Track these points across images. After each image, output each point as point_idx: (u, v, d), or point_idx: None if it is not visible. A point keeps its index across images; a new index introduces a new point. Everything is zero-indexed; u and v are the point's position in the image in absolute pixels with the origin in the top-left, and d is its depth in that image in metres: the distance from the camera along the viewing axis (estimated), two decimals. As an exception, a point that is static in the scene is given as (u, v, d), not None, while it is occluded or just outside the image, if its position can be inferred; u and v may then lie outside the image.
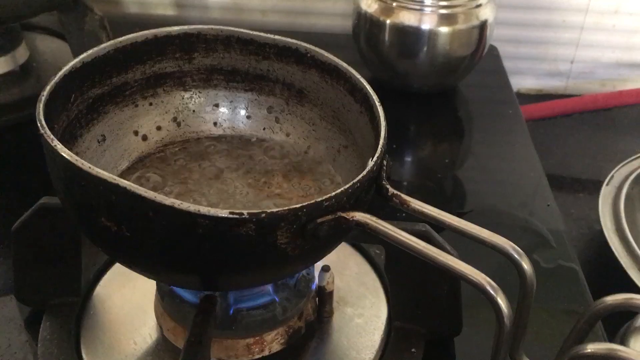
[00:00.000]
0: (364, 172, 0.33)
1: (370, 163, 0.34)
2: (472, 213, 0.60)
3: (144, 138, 0.43)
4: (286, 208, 0.30)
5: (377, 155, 0.34)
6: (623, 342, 0.29)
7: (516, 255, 0.32)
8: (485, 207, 0.60)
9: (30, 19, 0.73)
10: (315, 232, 0.31)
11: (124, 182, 0.29)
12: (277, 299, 0.40)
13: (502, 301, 0.29)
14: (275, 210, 0.30)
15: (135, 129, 0.43)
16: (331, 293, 0.43)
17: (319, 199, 0.31)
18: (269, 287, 0.40)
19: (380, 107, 0.37)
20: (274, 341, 0.40)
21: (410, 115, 0.75)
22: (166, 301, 0.40)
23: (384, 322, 0.44)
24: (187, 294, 0.39)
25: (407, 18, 0.68)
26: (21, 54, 0.72)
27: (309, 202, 0.30)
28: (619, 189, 0.63)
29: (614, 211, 0.61)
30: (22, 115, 0.64)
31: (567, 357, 0.28)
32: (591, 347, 0.27)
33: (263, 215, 0.29)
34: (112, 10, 0.92)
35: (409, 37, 0.69)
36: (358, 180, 0.32)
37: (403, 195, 0.34)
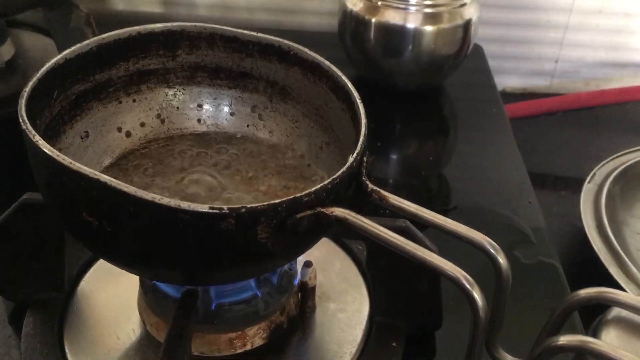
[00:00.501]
0: (344, 168, 0.33)
1: (350, 159, 0.34)
2: (455, 210, 0.60)
3: (128, 135, 0.43)
4: (266, 203, 0.30)
5: (357, 151, 0.34)
6: (595, 334, 0.30)
7: (492, 250, 0.32)
8: (468, 205, 0.61)
9: (16, 15, 0.73)
10: (295, 227, 0.32)
11: (104, 177, 0.29)
12: (259, 294, 0.40)
13: (477, 295, 0.30)
14: (255, 205, 0.30)
15: (119, 126, 0.43)
16: (313, 288, 0.44)
17: (299, 195, 0.31)
18: (251, 282, 0.40)
19: (361, 104, 0.38)
20: (256, 336, 0.41)
21: (395, 113, 0.75)
22: (149, 296, 0.41)
23: (366, 317, 0.44)
24: (169, 289, 0.40)
25: (392, 17, 0.69)
26: (6, 50, 0.72)
27: (288, 198, 0.31)
28: (601, 186, 0.64)
29: (595, 208, 0.62)
30: (7, 112, 0.63)
31: (540, 349, 0.29)
32: (563, 339, 0.28)
33: (243, 210, 0.30)
34: (98, 7, 0.92)
35: (394, 35, 0.70)
36: (338, 176, 0.33)
37: (382, 191, 0.35)
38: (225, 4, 0.92)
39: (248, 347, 0.41)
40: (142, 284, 0.42)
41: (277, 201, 0.30)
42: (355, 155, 0.34)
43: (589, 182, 0.65)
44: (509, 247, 0.52)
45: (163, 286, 0.40)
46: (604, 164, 0.68)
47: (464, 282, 0.30)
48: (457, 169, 0.68)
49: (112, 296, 0.45)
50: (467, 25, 0.70)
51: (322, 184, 0.32)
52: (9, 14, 0.69)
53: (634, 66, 0.91)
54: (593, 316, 0.44)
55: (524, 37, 0.89)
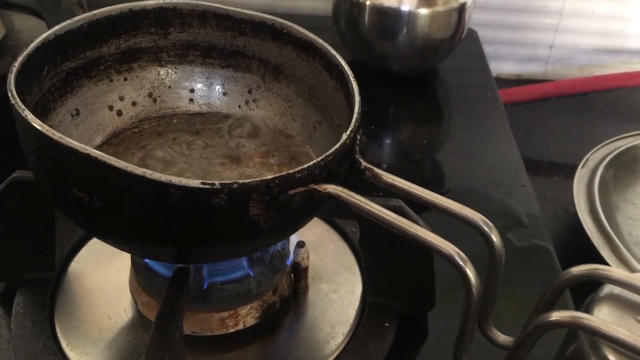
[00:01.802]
0: (337, 146, 0.33)
1: (344, 136, 0.34)
2: (449, 194, 0.60)
3: (119, 113, 0.43)
4: (258, 179, 0.30)
5: (350, 129, 0.34)
6: (588, 311, 0.30)
7: (486, 228, 0.32)
8: (462, 188, 0.61)
9: (6, -4, 0.72)
10: (287, 203, 0.31)
11: (94, 152, 0.29)
12: (251, 274, 0.40)
13: (470, 271, 0.30)
14: (247, 181, 0.30)
15: (110, 104, 0.42)
16: (306, 269, 0.44)
17: (291, 171, 0.31)
18: (244, 261, 0.40)
19: (355, 82, 0.37)
20: (248, 315, 0.40)
21: (390, 97, 0.75)
22: (140, 275, 0.40)
23: (359, 297, 0.44)
24: (160, 268, 0.39)
25: (386, -1, 0.69)
26: (-3, 31, 0.71)
27: (281, 174, 0.31)
28: (594, 171, 0.64)
29: (588, 193, 0.62)
30: (-2, 93, 0.63)
31: (533, 325, 0.29)
32: (555, 315, 0.28)
33: (235, 185, 0.29)
34: (90, -11, 0.91)
35: (388, 18, 0.69)
36: (331, 154, 0.32)
37: (375, 169, 0.35)
38: (219, -13, 0.91)
39: (240, 327, 0.40)
40: (134, 263, 0.41)
41: (269, 177, 0.30)
42: (348, 132, 0.34)
43: (582, 167, 0.66)
44: (502, 230, 0.52)
45: (154, 265, 0.40)
46: (597, 150, 0.68)
47: (457, 258, 0.30)
48: (451, 153, 0.68)
49: (103, 276, 0.45)
50: (461, 8, 0.70)
51: (315, 161, 0.32)
52: (-1, -5, 0.68)
53: (628, 53, 0.91)
54: (584, 296, 0.44)
55: (519, 22, 0.89)
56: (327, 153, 0.32)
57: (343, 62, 0.39)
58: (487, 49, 0.84)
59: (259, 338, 0.41)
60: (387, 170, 0.64)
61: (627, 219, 0.63)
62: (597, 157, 0.67)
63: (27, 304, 0.42)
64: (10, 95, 0.32)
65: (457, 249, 0.30)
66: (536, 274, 0.50)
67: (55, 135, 0.30)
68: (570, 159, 0.75)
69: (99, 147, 0.41)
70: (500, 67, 0.92)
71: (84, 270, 0.45)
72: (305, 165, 0.31)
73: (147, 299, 0.40)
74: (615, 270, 0.30)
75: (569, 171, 0.67)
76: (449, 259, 0.30)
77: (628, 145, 0.68)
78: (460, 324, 0.32)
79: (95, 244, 0.46)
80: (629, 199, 0.65)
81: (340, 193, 0.32)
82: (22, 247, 0.43)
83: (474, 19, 0.74)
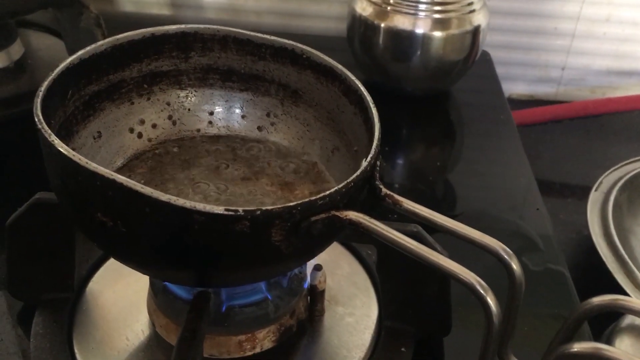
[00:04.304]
0: (358, 172, 0.33)
1: (364, 163, 0.34)
2: (462, 216, 0.60)
3: (139, 135, 0.43)
4: (281, 206, 0.30)
5: (370, 155, 0.34)
6: (609, 342, 0.30)
7: (506, 256, 0.32)
8: (475, 211, 0.61)
9: (25, 15, 0.73)
10: (309, 230, 0.32)
11: (120, 178, 0.29)
12: (269, 297, 0.40)
13: (491, 300, 0.30)
14: (270, 207, 0.30)
15: (131, 127, 0.43)
16: (323, 292, 0.44)
17: (313, 198, 0.31)
18: (262, 285, 0.40)
19: (375, 108, 0.38)
20: (265, 338, 0.41)
21: (403, 118, 0.75)
22: (159, 298, 0.41)
23: (375, 321, 0.44)
24: (180, 291, 0.40)
25: (401, 22, 0.69)
26: (16, 50, 0.72)
27: (303, 201, 0.31)
28: (608, 194, 0.64)
29: (602, 216, 0.62)
30: (16, 112, 0.63)
31: (554, 356, 0.29)
32: (577, 347, 0.28)
33: (258, 212, 0.30)
34: (107, 8, 0.92)
35: (402, 41, 0.70)
36: (352, 180, 0.33)
37: (396, 196, 0.35)
38: (234, 7, 0.92)
39: (257, 350, 0.41)
40: (153, 285, 0.42)
41: (292, 204, 0.31)
42: (369, 159, 0.34)
43: (595, 190, 0.65)
44: (516, 253, 0.52)
45: (174, 288, 0.40)
46: (610, 172, 0.68)
47: (478, 287, 0.30)
48: (464, 174, 0.68)
49: (121, 296, 0.45)
50: (475, 31, 0.70)
51: (336, 188, 0.32)
52: (19, 14, 0.69)
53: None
54: (601, 325, 0.44)
55: (532, 44, 0.89)
56: (349, 180, 0.33)
57: (362, 88, 0.39)
58: (500, 70, 0.85)
59: (275, 361, 0.41)
60: (400, 190, 0.65)
61: (642, 242, 0.63)
62: (611, 180, 0.67)
63: (46, 324, 0.42)
64: (37, 120, 0.32)
65: (477, 278, 0.30)
66: (552, 299, 0.50)
67: (82, 160, 0.30)
68: (583, 180, 0.75)
69: (119, 169, 0.42)
70: (512, 88, 0.93)
71: (102, 290, 0.45)
72: (327, 192, 0.32)
73: (166, 321, 0.40)
74: (636, 301, 0.30)
75: (582, 193, 0.67)
76: (469, 288, 0.30)
77: (641, 169, 0.68)
78: (480, 354, 0.32)
79: (113, 264, 0.47)
80: (643, 222, 0.65)
81: (362, 220, 0.32)
82: (41, 267, 0.43)
83: (487, 40, 0.75)
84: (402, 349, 0.42)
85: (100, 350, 0.41)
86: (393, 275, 0.43)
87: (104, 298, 0.45)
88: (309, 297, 0.44)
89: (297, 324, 0.42)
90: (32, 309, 0.43)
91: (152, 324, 0.42)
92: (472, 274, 0.31)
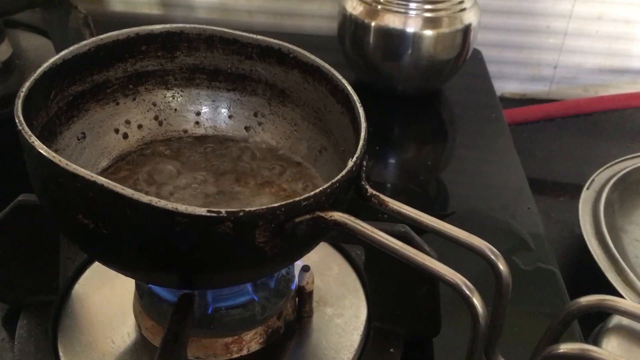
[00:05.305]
0: (343, 173, 0.33)
1: (350, 163, 0.34)
2: (453, 215, 0.60)
3: (125, 136, 0.43)
4: (264, 207, 0.30)
5: (356, 155, 0.34)
6: (596, 342, 0.29)
7: (492, 256, 0.32)
8: (467, 210, 0.61)
9: (13, 15, 0.72)
10: (293, 231, 0.31)
11: (101, 179, 0.29)
12: (256, 298, 0.40)
13: (477, 301, 0.30)
14: (253, 209, 0.30)
15: (116, 127, 0.43)
16: (311, 293, 0.43)
17: (298, 199, 0.31)
18: (248, 287, 0.40)
19: (361, 108, 0.37)
20: (252, 340, 0.40)
21: (394, 117, 0.75)
22: (145, 300, 0.40)
23: (364, 322, 0.44)
24: (165, 293, 0.39)
25: (391, 21, 0.69)
26: (4, 50, 0.71)
27: (287, 201, 0.31)
28: (599, 193, 0.64)
29: (594, 215, 0.62)
30: (4, 112, 0.63)
31: (541, 356, 0.29)
32: (564, 347, 0.28)
33: (241, 213, 0.29)
34: (96, 8, 0.92)
35: (393, 39, 0.70)
36: (337, 180, 0.32)
37: (382, 196, 0.35)
38: (224, 7, 0.91)
39: (244, 352, 0.40)
40: (138, 287, 0.41)
41: (275, 205, 0.30)
42: (355, 159, 0.34)
43: (587, 188, 0.65)
44: (507, 253, 0.52)
45: (159, 290, 0.39)
46: (602, 171, 0.68)
47: (464, 288, 0.30)
48: (455, 173, 0.68)
49: (107, 299, 0.44)
50: (466, 30, 0.70)
51: (321, 188, 0.32)
52: (7, 14, 0.68)
53: (632, 73, 0.91)
54: (592, 324, 0.44)
55: (524, 42, 0.89)
56: (334, 180, 0.32)
57: (349, 87, 0.39)
58: (491, 69, 0.85)
59: (263, 364, 0.41)
60: (391, 190, 0.65)
61: (633, 241, 0.62)
62: (602, 178, 0.67)
63: (30, 327, 0.42)
64: (17, 121, 0.32)
65: (463, 278, 0.30)
66: (542, 298, 0.50)
67: (62, 162, 0.30)
68: (575, 179, 0.75)
69: (104, 171, 0.41)
70: (504, 87, 0.93)
71: (88, 293, 0.45)
72: (312, 193, 0.31)
73: (151, 324, 0.40)
74: (624, 301, 0.30)
75: (574, 191, 0.67)
76: (455, 289, 0.30)
77: (634, 167, 0.67)
78: (467, 354, 0.31)
79: (99, 267, 0.46)
80: (634, 221, 0.65)
81: (347, 220, 0.32)
82: (25, 270, 0.43)
83: (478, 39, 0.75)
84: (391, 350, 0.42)
85: (86, 354, 0.41)
86: (382, 276, 0.43)
87: (90, 301, 0.44)
88: (297, 299, 0.43)
89: (285, 325, 0.42)
90: (17, 312, 0.43)
91: (138, 326, 0.42)
92: (458, 275, 0.30)
